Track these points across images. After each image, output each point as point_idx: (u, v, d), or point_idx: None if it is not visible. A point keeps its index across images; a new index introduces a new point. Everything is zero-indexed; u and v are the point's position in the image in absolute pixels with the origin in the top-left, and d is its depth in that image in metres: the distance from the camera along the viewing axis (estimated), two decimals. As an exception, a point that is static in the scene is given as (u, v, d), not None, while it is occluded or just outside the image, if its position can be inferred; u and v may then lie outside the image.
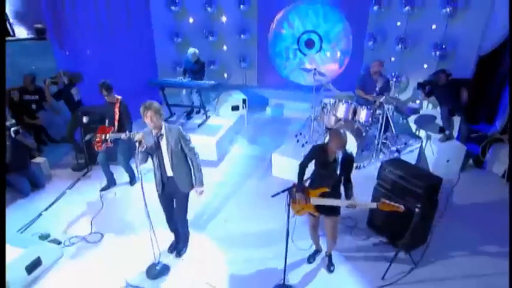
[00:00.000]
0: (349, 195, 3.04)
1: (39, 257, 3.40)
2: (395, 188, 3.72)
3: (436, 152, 5.42)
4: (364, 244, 3.91)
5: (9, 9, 6.27)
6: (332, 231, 3.26)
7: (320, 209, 3.12)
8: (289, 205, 2.87)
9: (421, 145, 5.70)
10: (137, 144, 2.96)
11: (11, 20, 6.38)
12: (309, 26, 7.97)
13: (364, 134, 4.97)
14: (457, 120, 5.63)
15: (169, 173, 3.26)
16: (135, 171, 4.89)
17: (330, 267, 3.50)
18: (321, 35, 7.94)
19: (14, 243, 3.42)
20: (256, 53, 8.36)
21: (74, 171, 5.34)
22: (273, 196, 2.78)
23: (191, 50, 6.26)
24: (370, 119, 4.81)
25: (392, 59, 6.67)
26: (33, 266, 3.34)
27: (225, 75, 8.41)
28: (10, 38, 6.05)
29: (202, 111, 6.45)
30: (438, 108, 5.73)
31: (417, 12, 6.05)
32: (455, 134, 5.67)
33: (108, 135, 4.28)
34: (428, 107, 6.22)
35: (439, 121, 5.63)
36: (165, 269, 3.45)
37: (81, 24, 6.23)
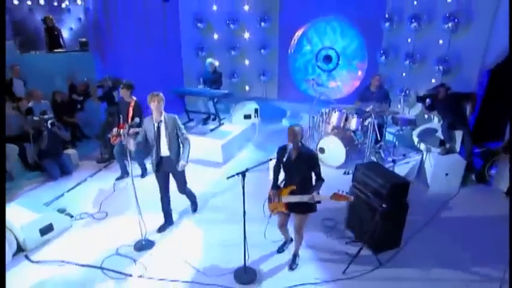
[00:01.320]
0: (311, 190, 3.24)
1: (51, 224, 4.15)
2: (366, 188, 3.96)
3: (433, 165, 5.47)
4: (336, 243, 4.14)
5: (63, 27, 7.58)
6: (298, 228, 3.53)
7: (290, 207, 3.43)
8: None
9: (422, 158, 5.76)
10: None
11: (64, 36, 7.69)
12: (326, 42, 8.42)
13: (356, 142, 5.22)
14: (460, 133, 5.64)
15: (165, 153, 3.98)
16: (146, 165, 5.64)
17: (292, 265, 3.70)
18: (338, 51, 8.33)
19: (38, 211, 4.22)
20: (277, 68, 8.92)
21: (97, 163, 6.21)
22: (228, 178, 3.23)
23: (209, 60, 7.01)
24: (359, 127, 5.07)
25: (404, 74, 6.83)
26: (46, 229, 4.09)
27: (247, 87, 9.05)
28: (60, 50, 7.30)
29: (216, 117, 7.11)
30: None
31: (424, 28, 6.22)
32: (457, 147, 5.67)
33: (121, 131, 5.03)
34: (435, 120, 6.24)
35: (440, 134, 5.68)
36: (150, 244, 4.02)
37: (119, 39, 7.29)
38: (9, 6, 7.23)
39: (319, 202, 3.35)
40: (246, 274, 3.53)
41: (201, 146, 6.10)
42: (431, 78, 6.05)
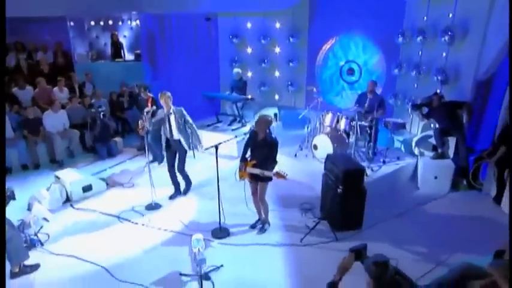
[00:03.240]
0: (264, 167, 4.20)
1: (91, 185, 5.64)
2: (332, 174, 4.73)
3: (423, 168, 5.94)
4: (306, 219, 4.94)
5: (124, 41, 9.55)
6: (260, 194, 4.48)
7: (252, 176, 4.43)
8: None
9: (417, 162, 6.23)
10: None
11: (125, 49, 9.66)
12: (350, 56, 9.18)
13: (347, 141, 5.96)
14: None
15: (176, 136, 5.25)
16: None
17: (260, 231, 4.63)
18: (360, 64, 9.03)
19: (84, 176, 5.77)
20: (305, 79, 9.86)
21: (137, 150, 7.73)
22: (206, 149, 4.32)
23: (235, 70, 8.27)
24: (348, 128, 5.83)
25: (416, 85, 7.31)
26: (87, 188, 5.59)
27: (276, 96, 10.12)
28: (120, 60, 9.21)
29: (239, 119, 8.28)
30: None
31: (429, 42, 6.72)
32: (451, 153, 6.03)
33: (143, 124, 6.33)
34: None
35: (433, 140, 6.11)
36: (157, 206, 5.27)
37: (168, 51, 8.97)
38: (87, 25, 9.43)
39: (269, 177, 4.25)
40: (221, 232, 4.55)
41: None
42: (435, 88, 6.47)
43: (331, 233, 4.54)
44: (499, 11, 5.34)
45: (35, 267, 3.94)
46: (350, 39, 9.07)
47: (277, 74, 9.87)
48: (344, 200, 4.44)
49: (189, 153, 5.56)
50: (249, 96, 8.10)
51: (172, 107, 5.21)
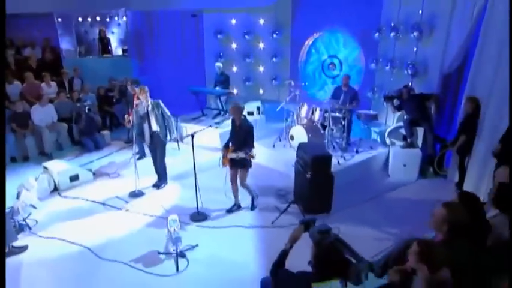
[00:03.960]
0: (238, 151, 4.59)
1: (78, 174, 5.96)
2: (302, 161, 5.10)
3: (393, 157, 6.34)
4: (279, 203, 5.32)
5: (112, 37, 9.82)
6: (241, 179, 4.88)
7: (232, 162, 4.80)
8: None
9: (389, 151, 6.63)
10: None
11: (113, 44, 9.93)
12: (331, 51, 9.54)
13: (322, 131, 6.33)
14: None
15: (155, 128, 5.55)
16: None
17: (251, 206, 5.12)
18: (341, 59, 9.40)
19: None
20: (289, 74, 10.20)
21: (125, 143, 8.03)
22: (186, 137, 4.66)
23: (217, 64, 8.60)
24: (321, 119, 6.20)
25: (391, 79, 7.69)
26: (74, 178, 5.90)
27: (261, 90, 10.45)
28: (108, 55, 9.49)
29: (222, 113, 8.62)
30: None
31: (402, 37, 7.09)
32: (419, 142, 6.44)
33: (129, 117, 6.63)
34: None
35: (403, 130, 6.51)
36: (140, 194, 5.60)
37: (154, 46, 9.26)
38: (75, 21, 9.68)
39: (248, 164, 4.64)
40: (199, 215, 4.90)
41: (204, 133, 7.63)
42: (409, 82, 6.86)
43: (299, 213, 4.93)
44: (461, 8, 5.73)
45: (23, 248, 4.26)
46: (331, 34, 9.42)
47: (261, 69, 10.20)
48: (312, 184, 4.81)
49: (174, 145, 5.89)
50: (233, 91, 8.43)
51: (150, 99, 5.52)
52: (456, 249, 2.45)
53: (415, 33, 6.40)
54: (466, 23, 5.61)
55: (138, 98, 6.00)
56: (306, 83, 8.96)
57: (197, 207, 4.92)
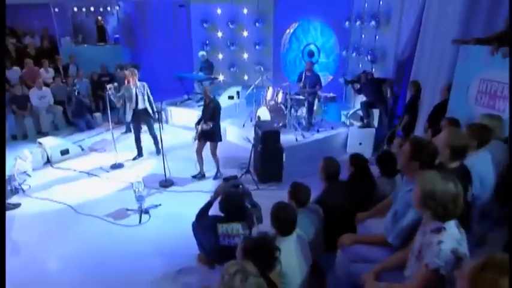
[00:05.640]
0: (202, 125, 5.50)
1: (68, 149, 6.86)
2: (257, 135, 5.88)
3: (350, 135, 7.06)
4: (239, 174, 6.10)
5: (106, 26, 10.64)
6: (211, 151, 5.73)
7: (201, 135, 5.64)
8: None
9: (348, 131, 7.34)
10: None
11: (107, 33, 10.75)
12: (310, 39, 10.17)
13: (285, 112, 7.07)
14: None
15: (141, 106, 6.39)
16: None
17: (215, 177, 5.92)
18: (319, 46, 10.03)
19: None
20: (272, 61, 10.89)
21: (114, 124, 8.89)
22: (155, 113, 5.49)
23: (200, 53, 9.34)
24: (283, 100, 6.95)
25: (360, 65, 8.34)
26: (65, 152, 6.80)
27: (245, 77, 11.18)
28: (102, 43, 10.33)
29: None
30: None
31: (365, 26, 7.72)
32: (375, 123, 7.13)
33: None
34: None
35: (360, 112, 7.21)
36: (120, 166, 6.47)
37: (144, 35, 10.04)
38: (71, 12, 10.53)
39: (212, 132, 5.55)
40: (166, 182, 5.75)
41: (185, 114, 8.47)
42: (371, 68, 7.52)
43: (255, 184, 5.72)
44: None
45: (16, 205, 5.18)
46: (310, 23, 10.05)
47: (245, 56, 10.92)
48: (263, 156, 5.60)
49: (156, 125, 6.71)
50: (218, 76, 9.18)
51: (137, 82, 6.35)
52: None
53: (373, 22, 7.04)
54: (413, 13, 6.23)
55: (129, 82, 6.88)
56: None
57: (165, 175, 5.76)
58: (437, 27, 5.45)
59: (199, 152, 5.87)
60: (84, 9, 10.69)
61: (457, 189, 1.88)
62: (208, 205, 3.59)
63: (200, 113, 6.01)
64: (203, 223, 3.45)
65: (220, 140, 5.85)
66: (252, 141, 6.15)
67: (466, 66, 4.53)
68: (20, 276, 3.80)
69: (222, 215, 3.31)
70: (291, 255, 2.49)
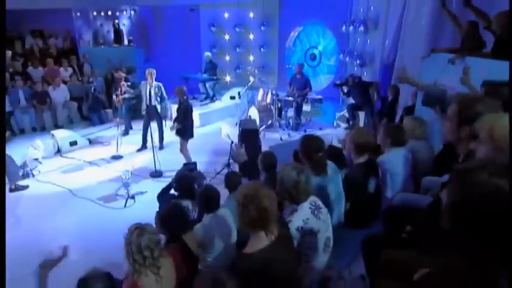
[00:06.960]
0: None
1: (76, 141, 7.69)
2: (240, 132, 6.41)
3: (335, 137, 7.42)
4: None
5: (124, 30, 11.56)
6: (180, 148, 6.33)
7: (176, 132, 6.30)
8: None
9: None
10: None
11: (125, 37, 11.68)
12: (313, 42, 10.59)
13: (273, 112, 7.56)
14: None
15: (153, 103, 7.12)
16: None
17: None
18: (321, 50, 10.43)
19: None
20: (277, 62, 11.39)
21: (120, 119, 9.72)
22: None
23: (205, 54, 9.99)
24: (272, 101, 7.44)
25: (355, 68, 8.67)
26: (73, 143, 7.64)
27: (251, 78, 11.71)
28: (116, 45, 11.24)
29: (209, 97, 10.04)
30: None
31: (359, 31, 8.05)
32: (361, 124, 7.46)
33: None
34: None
35: (346, 114, 7.57)
36: (120, 157, 7.21)
37: (157, 37, 10.83)
38: (92, 16, 11.55)
39: (182, 130, 6.15)
40: (156, 173, 6.41)
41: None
42: (362, 72, 7.85)
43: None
44: (394, 6, 6.66)
45: (25, 187, 6.01)
46: (313, 27, 10.47)
47: (251, 58, 11.48)
48: (246, 151, 6.11)
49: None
50: (225, 77, 9.82)
51: (154, 81, 7.10)
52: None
53: (361, 28, 7.39)
54: (396, 18, 6.55)
55: (125, 80, 7.66)
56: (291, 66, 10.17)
57: (155, 167, 6.43)
58: (413, 31, 5.76)
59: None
60: (102, 14, 11.66)
61: (299, 177, 2.24)
62: (169, 186, 4.18)
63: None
64: (164, 199, 4.04)
65: (192, 136, 6.43)
66: (236, 138, 6.69)
67: (427, 72, 4.86)
68: (19, 245, 4.53)
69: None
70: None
